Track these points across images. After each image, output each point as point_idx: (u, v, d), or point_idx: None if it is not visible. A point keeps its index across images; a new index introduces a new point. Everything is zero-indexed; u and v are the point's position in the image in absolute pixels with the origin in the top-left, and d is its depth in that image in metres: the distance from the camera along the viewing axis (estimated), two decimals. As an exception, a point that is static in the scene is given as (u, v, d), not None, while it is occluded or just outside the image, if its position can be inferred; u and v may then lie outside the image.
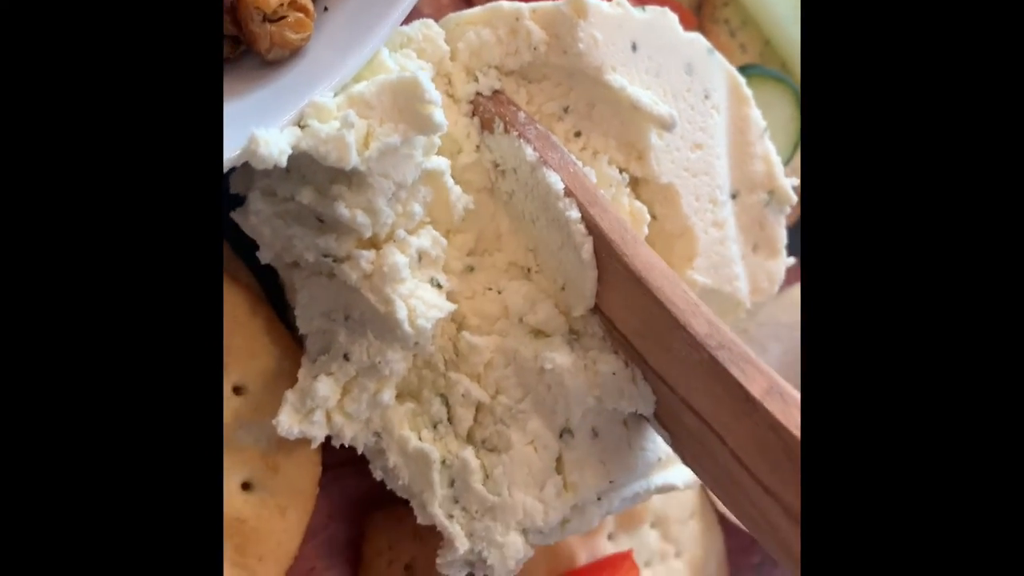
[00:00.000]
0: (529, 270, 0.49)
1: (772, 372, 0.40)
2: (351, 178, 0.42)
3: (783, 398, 0.39)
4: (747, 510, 0.42)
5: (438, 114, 0.41)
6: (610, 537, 0.60)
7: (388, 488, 0.50)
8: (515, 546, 0.46)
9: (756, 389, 0.39)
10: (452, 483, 0.47)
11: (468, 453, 0.47)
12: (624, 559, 0.58)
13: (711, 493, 0.50)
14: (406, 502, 0.49)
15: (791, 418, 0.38)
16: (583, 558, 0.58)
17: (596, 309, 0.46)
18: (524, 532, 0.46)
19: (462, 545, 0.46)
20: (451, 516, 0.47)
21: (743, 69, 0.66)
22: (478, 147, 0.48)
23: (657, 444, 0.49)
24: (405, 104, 0.41)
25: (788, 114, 0.67)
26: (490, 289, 0.48)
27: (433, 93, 0.41)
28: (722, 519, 0.66)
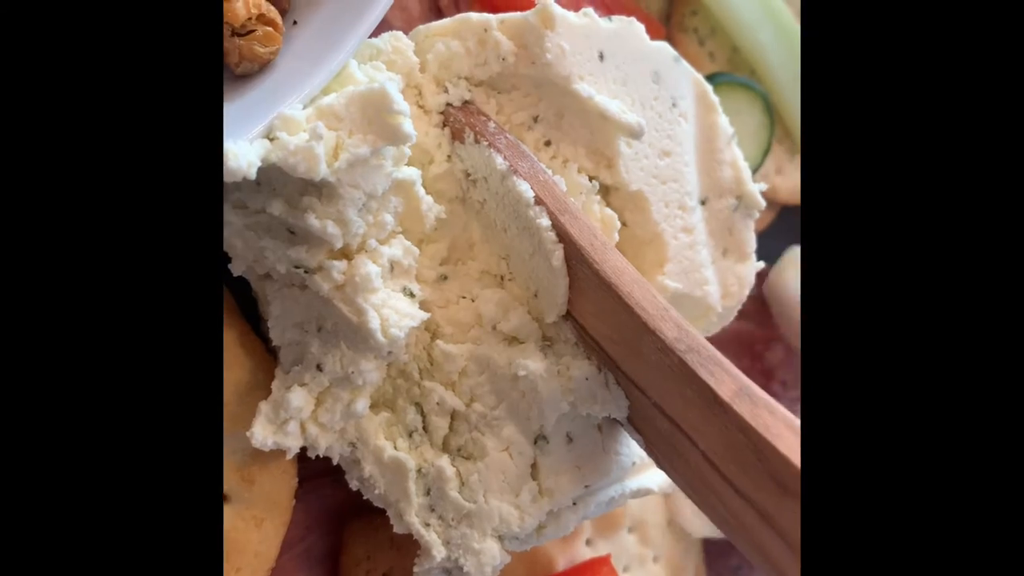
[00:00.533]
0: (502, 278, 0.49)
1: (741, 375, 0.41)
2: (321, 189, 0.42)
3: (752, 400, 0.39)
4: (719, 511, 0.43)
5: (407, 124, 0.42)
6: (588, 542, 0.60)
7: (365, 498, 0.50)
8: (491, 552, 0.46)
9: (725, 391, 0.40)
10: (428, 491, 0.47)
11: (443, 461, 0.47)
12: (602, 564, 0.58)
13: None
14: (383, 511, 0.49)
15: (760, 420, 0.39)
16: (561, 563, 0.58)
17: (569, 315, 0.47)
18: (500, 538, 0.46)
19: (439, 553, 0.46)
20: (427, 524, 0.47)
21: (712, 77, 0.67)
22: (449, 157, 0.48)
23: (631, 448, 0.50)
24: (374, 115, 0.41)
25: (757, 120, 0.68)
26: (464, 298, 0.49)
27: (401, 103, 0.41)
28: (700, 522, 0.67)
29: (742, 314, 0.75)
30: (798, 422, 0.39)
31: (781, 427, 0.39)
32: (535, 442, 0.47)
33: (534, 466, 0.47)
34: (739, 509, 0.41)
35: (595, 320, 0.45)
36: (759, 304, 0.76)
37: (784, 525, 0.39)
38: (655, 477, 0.51)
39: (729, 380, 0.40)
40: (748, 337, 0.74)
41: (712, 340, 0.73)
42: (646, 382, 0.44)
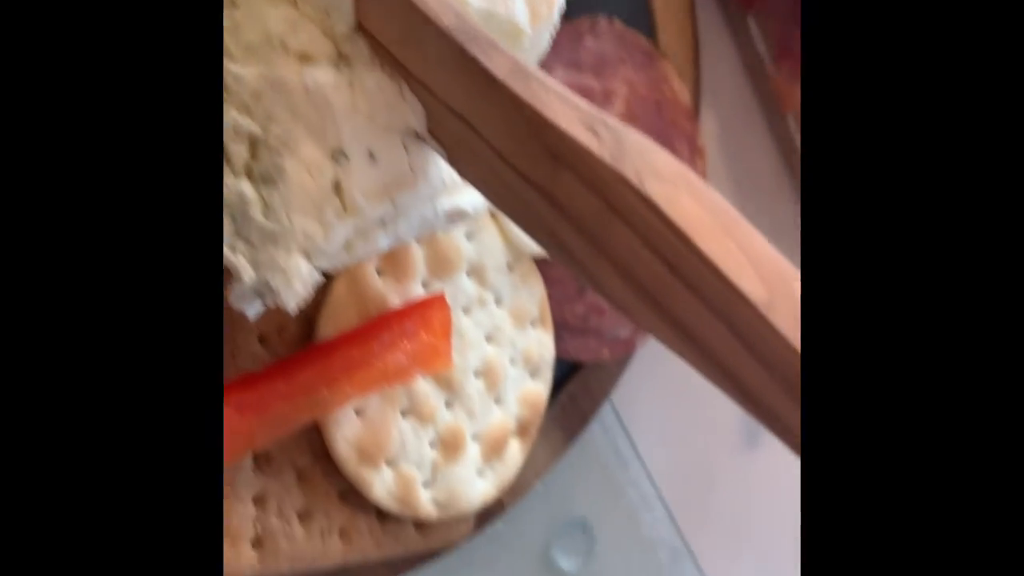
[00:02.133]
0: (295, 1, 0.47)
1: (519, 58, 0.41)
2: None
3: (525, 76, 0.40)
4: (514, 205, 0.44)
5: None
6: (424, 284, 0.61)
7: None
8: (298, 268, 0.47)
9: (499, 71, 0.40)
10: (234, 219, 0.47)
11: (245, 186, 0.47)
12: (436, 300, 0.60)
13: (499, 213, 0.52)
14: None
15: (532, 93, 0.39)
16: (396, 302, 0.59)
17: (362, 29, 0.45)
18: (307, 254, 0.47)
19: (248, 276, 0.47)
20: (235, 250, 0.47)
21: None
22: None
23: (441, 168, 0.50)
24: None
25: None
26: (252, 20, 0.47)
27: None
28: (542, 269, 0.68)
29: (578, 65, 0.74)
30: (573, 95, 0.40)
31: (553, 99, 0.39)
32: (334, 159, 0.47)
33: (337, 184, 0.47)
34: (527, 194, 0.42)
35: (383, 24, 0.45)
36: (598, 58, 0.75)
37: (561, 199, 0.40)
38: (468, 198, 0.52)
39: (503, 60, 0.40)
40: (587, 92, 0.74)
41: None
42: (433, 80, 0.44)
